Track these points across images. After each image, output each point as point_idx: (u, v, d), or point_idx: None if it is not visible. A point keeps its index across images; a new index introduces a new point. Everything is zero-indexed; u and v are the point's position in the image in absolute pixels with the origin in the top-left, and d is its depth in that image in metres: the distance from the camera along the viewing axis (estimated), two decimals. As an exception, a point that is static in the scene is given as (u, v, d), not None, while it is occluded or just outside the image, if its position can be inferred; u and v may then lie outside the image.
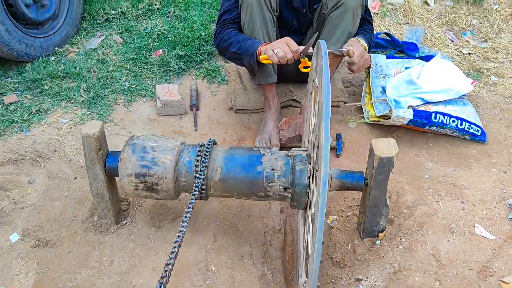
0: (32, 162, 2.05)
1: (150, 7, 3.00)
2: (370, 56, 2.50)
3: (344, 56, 2.00)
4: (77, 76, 2.52)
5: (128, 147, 1.61)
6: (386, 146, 1.57)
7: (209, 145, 1.62)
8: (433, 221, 1.76)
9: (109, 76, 2.56)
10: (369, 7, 3.06)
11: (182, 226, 1.28)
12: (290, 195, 1.56)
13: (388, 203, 1.67)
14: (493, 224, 1.75)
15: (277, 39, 2.20)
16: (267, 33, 2.02)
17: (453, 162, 2.11)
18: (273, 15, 2.02)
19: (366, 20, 2.13)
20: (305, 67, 1.90)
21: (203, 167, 1.56)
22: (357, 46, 1.89)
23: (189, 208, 1.35)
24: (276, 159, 1.64)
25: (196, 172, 1.57)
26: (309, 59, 1.83)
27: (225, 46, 2.03)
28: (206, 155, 1.58)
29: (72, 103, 2.37)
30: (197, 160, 1.59)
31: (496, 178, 1.98)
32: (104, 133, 1.66)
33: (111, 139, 2.23)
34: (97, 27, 2.92)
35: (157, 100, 2.38)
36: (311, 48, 1.79)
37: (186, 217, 1.32)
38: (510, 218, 1.78)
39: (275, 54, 1.77)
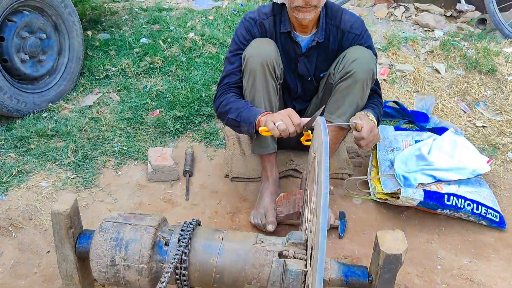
0: (3, 231, 1.87)
1: (151, 65, 2.92)
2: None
3: (350, 129, 1.85)
4: (67, 136, 2.39)
5: (98, 236, 1.42)
6: (393, 241, 1.37)
7: (190, 226, 1.44)
8: (447, 325, 1.53)
9: (101, 136, 2.42)
10: (377, 74, 2.96)
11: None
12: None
13: (395, 303, 1.45)
14: (518, 334, 1.51)
15: (279, 104, 2.08)
16: (269, 102, 1.89)
17: (468, 251, 1.89)
18: (276, 83, 1.90)
19: (375, 92, 1.99)
20: (308, 140, 1.74)
21: (176, 255, 1.37)
22: (366, 121, 1.74)
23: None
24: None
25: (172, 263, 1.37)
26: (313, 132, 1.68)
27: (223, 112, 1.90)
28: (185, 237, 1.39)
29: (57, 164, 2.22)
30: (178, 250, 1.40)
31: (519, 274, 1.76)
32: (78, 209, 1.49)
33: (94, 206, 2.06)
34: (96, 83, 2.83)
35: (149, 164, 2.23)
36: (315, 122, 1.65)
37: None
38: (537, 326, 1.54)
39: (277, 127, 1.62)
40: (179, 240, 1.40)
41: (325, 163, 1.09)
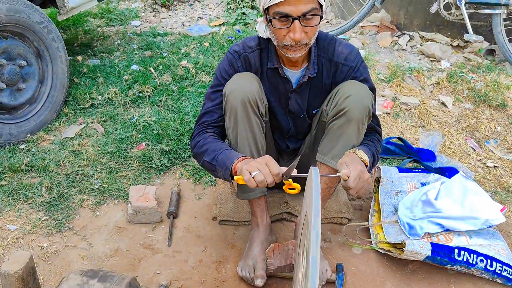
0: (-42, 283, 1.67)
1: (140, 94, 2.76)
2: (376, 173, 2.16)
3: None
4: (43, 171, 2.21)
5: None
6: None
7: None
8: None
9: (80, 172, 2.24)
10: (378, 108, 2.78)
11: None
12: None
13: None
14: None
15: (269, 144, 1.90)
16: (254, 141, 1.70)
17: (482, 315, 1.68)
18: (261, 120, 1.72)
19: (372, 129, 1.80)
20: (291, 189, 1.54)
21: None
22: (354, 166, 1.50)
23: None
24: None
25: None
26: (294, 181, 1.49)
27: (199, 153, 1.71)
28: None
29: (29, 204, 2.03)
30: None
31: None
32: (33, 268, 1.29)
33: (65, 253, 1.86)
34: (80, 113, 2.66)
35: (129, 205, 2.04)
36: (295, 170, 1.46)
37: None
38: None
39: (253, 177, 1.43)
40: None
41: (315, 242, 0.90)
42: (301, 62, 1.72)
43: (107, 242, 1.95)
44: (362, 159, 1.57)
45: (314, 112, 1.84)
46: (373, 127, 1.80)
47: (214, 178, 2.31)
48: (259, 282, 1.72)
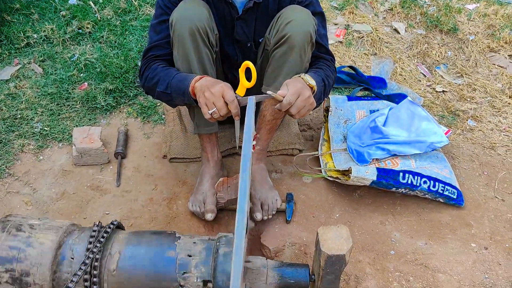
0: None
1: (80, 31, 2.57)
2: (325, 103, 2.15)
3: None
4: (-23, 116, 2.08)
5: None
6: (336, 239, 1.20)
7: (109, 228, 1.23)
8: (398, 321, 1.40)
9: (19, 116, 2.12)
10: (330, 37, 2.70)
11: None
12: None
13: (341, 303, 1.29)
14: (473, 327, 1.39)
15: (219, 77, 1.82)
16: (204, 74, 1.62)
17: (424, 232, 1.75)
18: (211, 50, 1.63)
19: (320, 58, 1.72)
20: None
21: (93, 251, 1.18)
22: (293, 84, 1.43)
23: None
24: (195, 243, 1.27)
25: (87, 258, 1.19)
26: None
27: (151, 86, 1.63)
28: (102, 238, 1.19)
29: (-37, 151, 1.93)
30: (90, 243, 1.22)
31: (476, 257, 1.63)
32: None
33: (7, 200, 1.80)
34: (15, 53, 2.47)
35: (73, 147, 1.96)
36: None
37: None
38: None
39: (211, 115, 1.42)
40: (91, 238, 1.20)
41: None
42: None
43: (53, 186, 1.89)
44: (308, 84, 1.47)
45: (260, 40, 1.77)
46: (321, 56, 1.72)
47: (163, 115, 2.25)
48: (209, 216, 1.72)
